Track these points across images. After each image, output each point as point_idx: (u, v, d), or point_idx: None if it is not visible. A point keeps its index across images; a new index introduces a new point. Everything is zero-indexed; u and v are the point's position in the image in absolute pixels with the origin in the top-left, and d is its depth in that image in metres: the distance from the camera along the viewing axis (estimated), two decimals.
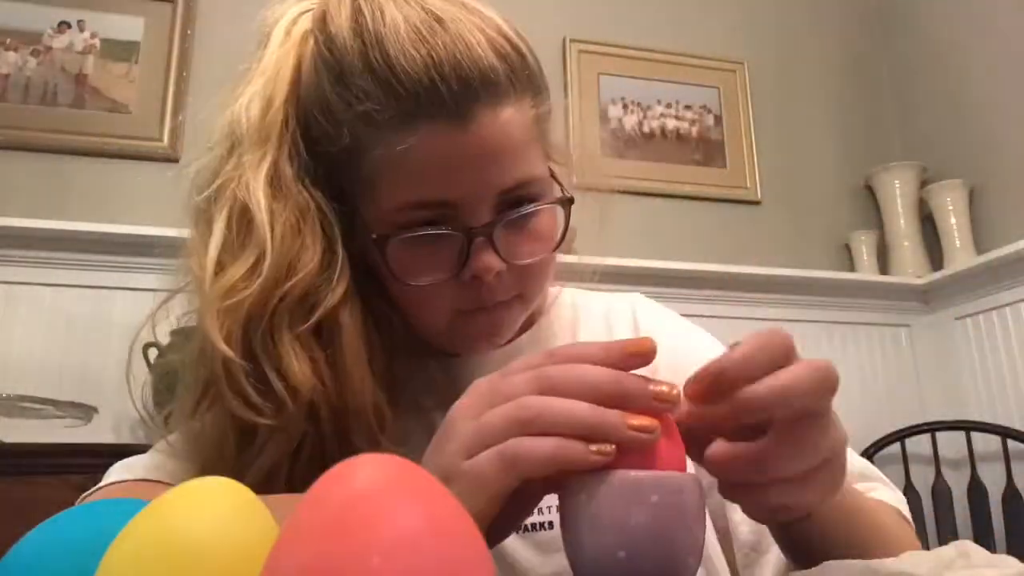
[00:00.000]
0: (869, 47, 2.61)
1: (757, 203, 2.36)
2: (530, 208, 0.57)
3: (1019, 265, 2.04)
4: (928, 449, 2.06)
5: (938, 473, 2.04)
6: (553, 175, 0.61)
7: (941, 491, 2.03)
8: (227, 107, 0.57)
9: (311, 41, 0.57)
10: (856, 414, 2.16)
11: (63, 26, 1.95)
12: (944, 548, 0.43)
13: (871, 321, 2.29)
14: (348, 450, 0.52)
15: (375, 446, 0.53)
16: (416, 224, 0.55)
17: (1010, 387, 2.07)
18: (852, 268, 2.36)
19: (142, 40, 1.99)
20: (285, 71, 0.57)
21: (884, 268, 2.35)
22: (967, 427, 2.01)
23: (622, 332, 0.71)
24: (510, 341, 0.64)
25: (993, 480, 1.97)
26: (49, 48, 1.93)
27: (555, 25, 2.29)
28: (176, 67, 1.98)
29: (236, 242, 0.53)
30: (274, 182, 0.55)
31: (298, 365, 0.52)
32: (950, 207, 2.25)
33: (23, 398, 1.49)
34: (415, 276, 0.56)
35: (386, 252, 0.55)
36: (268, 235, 0.52)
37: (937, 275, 2.23)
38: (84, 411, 1.55)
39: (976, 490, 1.99)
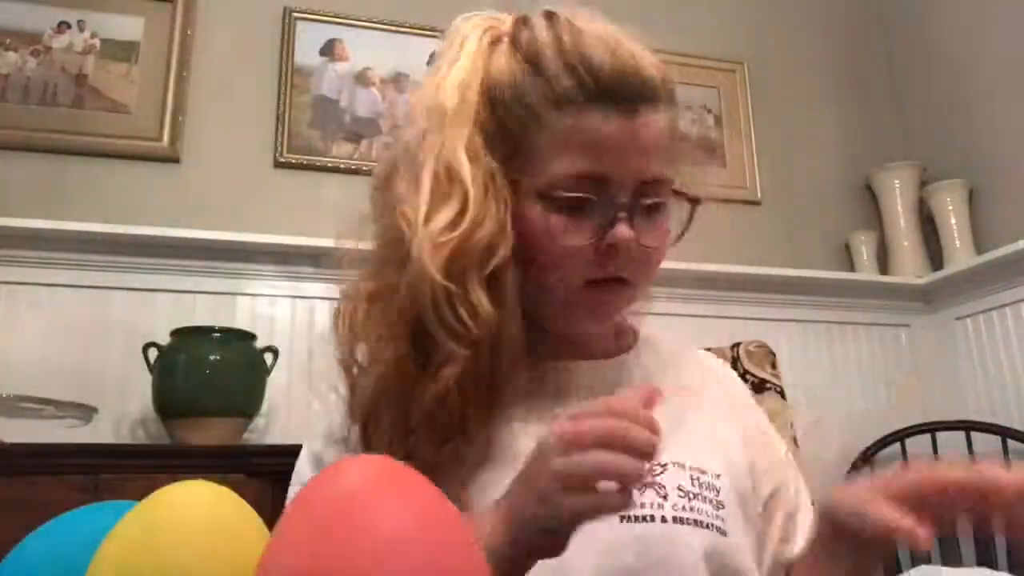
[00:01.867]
0: (869, 47, 2.61)
1: (757, 203, 2.36)
2: (662, 199, 0.70)
3: (1019, 265, 2.04)
4: (928, 449, 2.06)
5: None
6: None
7: None
8: (422, 94, 0.72)
9: (502, 47, 0.72)
10: (856, 414, 2.16)
11: (63, 26, 1.95)
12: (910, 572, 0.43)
13: (871, 321, 2.29)
14: (491, 387, 0.66)
15: (493, 396, 0.67)
16: (575, 192, 0.66)
17: (1010, 387, 2.07)
18: (852, 268, 2.36)
19: (142, 40, 1.99)
20: (478, 68, 0.71)
21: (884, 268, 2.35)
22: (967, 427, 2.01)
23: (725, 382, 0.86)
24: (609, 358, 0.77)
25: None
26: (49, 48, 1.93)
27: None
28: (176, 67, 1.97)
29: (440, 193, 0.66)
30: (469, 151, 0.67)
31: (481, 299, 0.64)
32: (950, 207, 2.24)
33: (23, 398, 1.49)
34: (564, 237, 0.66)
35: (546, 212, 0.67)
36: (471, 190, 0.65)
37: (937, 275, 2.23)
38: (84, 411, 1.54)
39: None
